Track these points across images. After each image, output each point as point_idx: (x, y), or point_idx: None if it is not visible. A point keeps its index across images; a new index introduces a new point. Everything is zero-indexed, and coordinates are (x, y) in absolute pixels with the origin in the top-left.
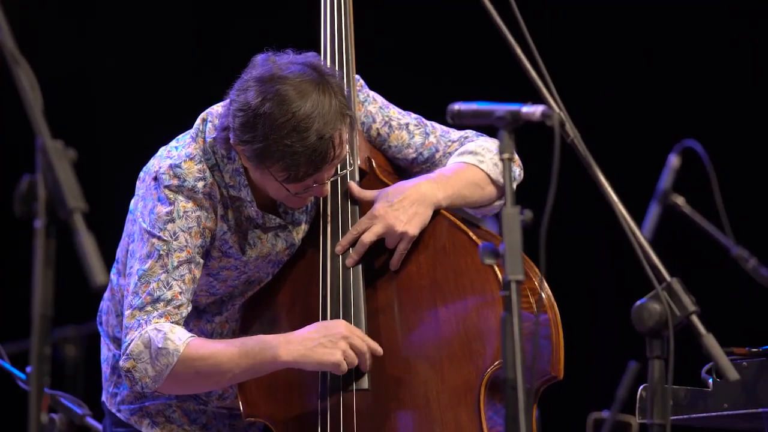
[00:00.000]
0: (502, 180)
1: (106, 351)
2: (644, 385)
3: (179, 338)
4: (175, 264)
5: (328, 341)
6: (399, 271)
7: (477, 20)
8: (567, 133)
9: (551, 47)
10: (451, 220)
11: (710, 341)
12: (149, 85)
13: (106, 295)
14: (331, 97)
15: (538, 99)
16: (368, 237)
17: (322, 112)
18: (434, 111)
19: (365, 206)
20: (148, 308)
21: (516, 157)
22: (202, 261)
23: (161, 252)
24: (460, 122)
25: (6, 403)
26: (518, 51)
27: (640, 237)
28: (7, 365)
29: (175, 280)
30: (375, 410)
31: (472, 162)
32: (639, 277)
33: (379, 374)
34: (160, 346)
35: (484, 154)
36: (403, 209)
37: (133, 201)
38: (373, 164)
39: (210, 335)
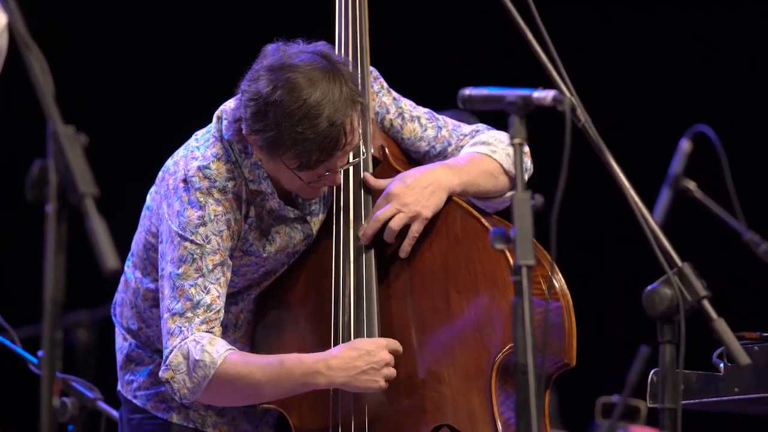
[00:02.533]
0: (514, 170)
1: (120, 341)
2: (655, 369)
3: (217, 351)
4: (210, 267)
5: (371, 368)
6: (411, 257)
7: (488, 7)
8: (578, 117)
9: (562, 32)
10: (463, 206)
11: (721, 326)
12: (157, 78)
13: (120, 287)
14: (342, 84)
15: (549, 84)
16: (383, 214)
17: (333, 99)
18: (446, 105)
19: (378, 195)
20: (189, 314)
21: (527, 148)
22: (231, 263)
23: (195, 255)
24: (470, 107)
25: (18, 387)
26: (529, 36)
27: (652, 222)
28: (19, 349)
29: (212, 283)
30: (387, 395)
31: (485, 152)
32: (650, 262)
33: None
34: (197, 358)
35: (497, 145)
36: (419, 189)
37: (151, 198)
38: (387, 152)
39: (226, 326)
